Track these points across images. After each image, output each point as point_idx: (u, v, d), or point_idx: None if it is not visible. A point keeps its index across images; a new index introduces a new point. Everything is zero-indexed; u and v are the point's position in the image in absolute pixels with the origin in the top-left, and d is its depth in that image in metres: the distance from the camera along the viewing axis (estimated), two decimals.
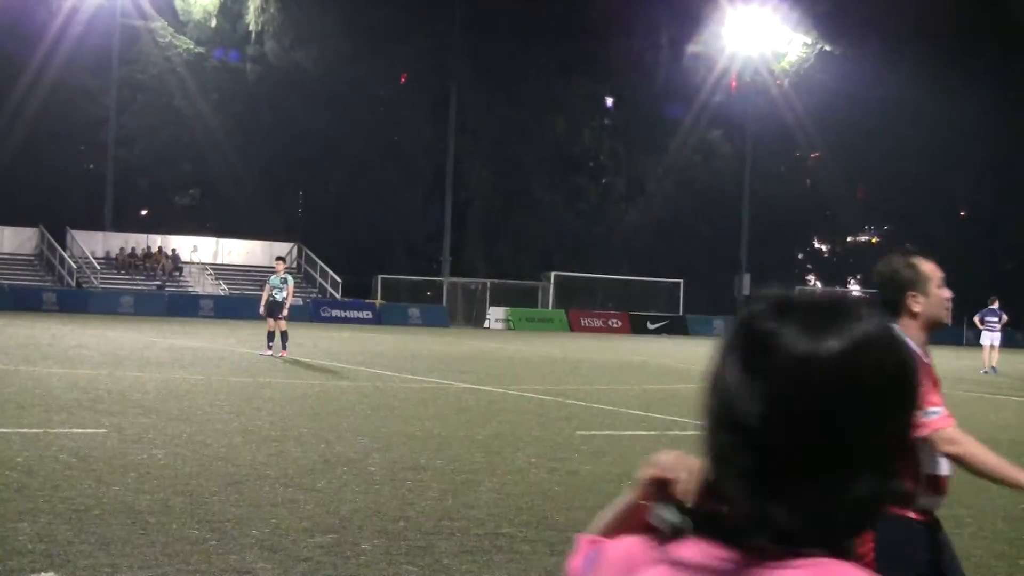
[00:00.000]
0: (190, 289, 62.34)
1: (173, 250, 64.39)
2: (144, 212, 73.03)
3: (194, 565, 7.12)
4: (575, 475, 11.14)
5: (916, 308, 4.79)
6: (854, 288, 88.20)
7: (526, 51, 71.99)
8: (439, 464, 11.43)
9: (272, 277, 28.21)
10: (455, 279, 68.59)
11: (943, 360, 41.55)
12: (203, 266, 64.13)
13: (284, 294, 27.68)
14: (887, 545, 4.12)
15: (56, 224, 62.03)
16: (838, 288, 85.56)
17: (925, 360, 4.72)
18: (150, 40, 66.60)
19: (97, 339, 32.12)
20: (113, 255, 63.03)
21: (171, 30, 67.21)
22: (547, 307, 67.43)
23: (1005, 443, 15.96)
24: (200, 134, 67.38)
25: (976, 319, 37.71)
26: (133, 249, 63.52)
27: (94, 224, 64.56)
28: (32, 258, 62.14)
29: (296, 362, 25.75)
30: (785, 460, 1.49)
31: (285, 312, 27.63)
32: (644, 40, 76.55)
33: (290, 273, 32.12)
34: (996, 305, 37.34)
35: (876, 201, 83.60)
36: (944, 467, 4.72)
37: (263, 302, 28.05)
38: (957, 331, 72.82)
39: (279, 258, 30.30)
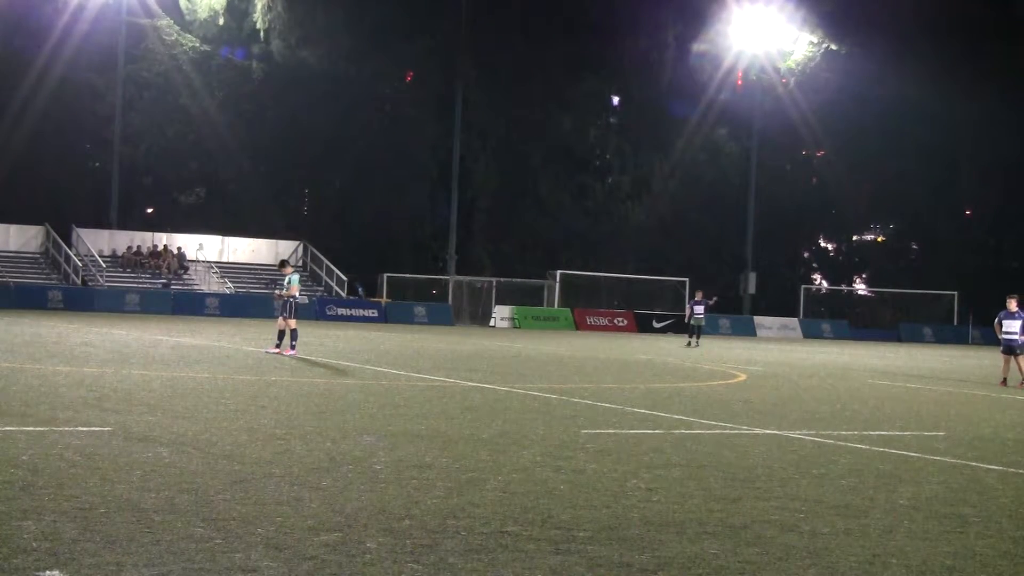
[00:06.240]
0: (196, 287, 62.40)
1: (179, 248, 64.43)
2: (150, 210, 73.09)
3: (199, 563, 7.12)
4: (580, 474, 11.13)
5: None
6: (860, 287, 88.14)
7: (532, 50, 71.98)
8: (444, 462, 11.43)
9: (283, 278, 28.44)
10: (461, 277, 68.58)
11: (949, 359, 41.25)
12: (209, 264, 64.18)
13: (284, 292, 27.80)
14: None
15: (62, 222, 62.12)
16: (844, 286, 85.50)
17: None
18: (156, 38, 66.66)
19: (103, 337, 32.14)
20: (119, 253, 63.09)
21: (177, 28, 67.25)
22: (553, 306, 67.41)
23: (1011, 442, 15.94)
24: (206, 132, 67.43)
25: None
26: (139, 247, 63.58)
27: (100, 222, 64.64)
28: (38, 256, 62.22)
29: (302, 360, 25.76)
30: None
31: (287, 311, 27.62)
32: (650, 39, 76.52)
33: (298, 271, 32.16)
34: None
35: (882, 199, 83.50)
36: None
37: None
38: (963, 330, 72.76)
39: (283, 261, 30.53)
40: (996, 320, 29.37)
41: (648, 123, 78.05)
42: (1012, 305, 28.81)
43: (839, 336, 70.56)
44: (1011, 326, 28.63)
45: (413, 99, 73.46)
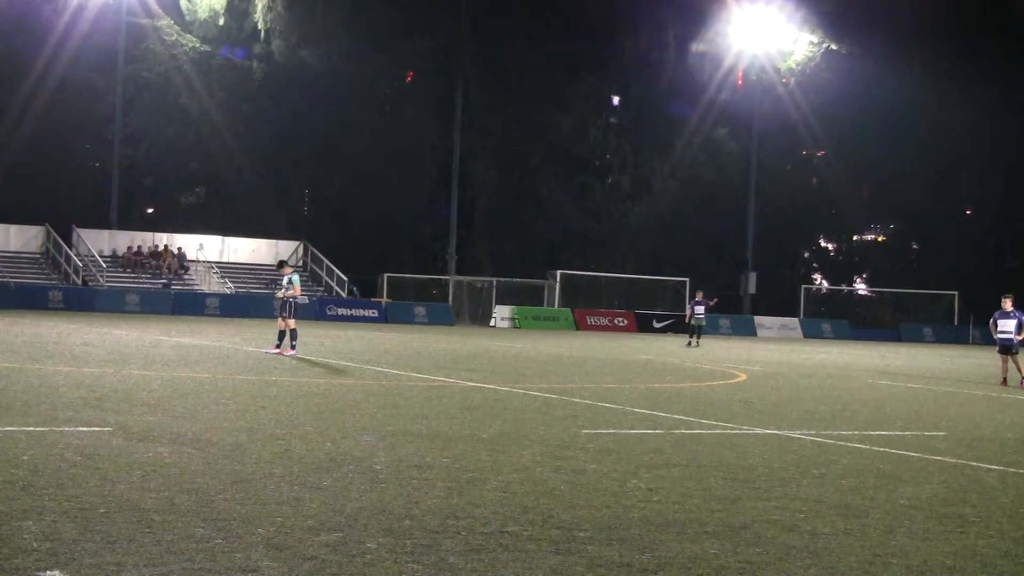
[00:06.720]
0: (196, 287, 62.40)
1: (179, 248, 64.44)
2: (150, 210, 73.11)
3: (199, 563, 7.12)
4: (580, 474, 11.13)
5: None
6: (860, 287, 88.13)
7: (532, 49, 71.95)
8: (445, 462, 11.42)
9: (283, 278, 28.45)
10: (461, 278, 68.59)
11: (950, 359, 41.18)
12: (209, 264, 64.18)
13: (286, 292, 27.82)
14: None
15: (62, 222, 62.12)
16: (844, 286, 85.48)
17: None
18: (156, 38, 66.68)
19: (103, 337, 32.14)
20: (119, 253, 63.10)
21: (177, 28, 67.26)
22: (553, 305, 67.40)
23: (1011, 442, 15.93)
24: (206, 132, 67.42)
25: None
26: (139, 247, 63.59)
27: (100, 222, 64.62)
28: (38, 256, 62.23)
29: (302, 360, 25.76)
30: None
31: (287, 311, 27.66)
32: (650, 38, 76.51)
33: (297, 271, 32.18)
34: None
35: (882, 199, 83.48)
36: None
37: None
38: (963, 330, 72.75)
39: (282, 261, 30.53)
40: (991, 320, 29.43)
41: (648, 123, 78.02)
42: (1007, 305, 28.86)
43: (839, 336, 70.54)
44: (1006, 325, 28.67)
45: (413, 99, 73.43)
